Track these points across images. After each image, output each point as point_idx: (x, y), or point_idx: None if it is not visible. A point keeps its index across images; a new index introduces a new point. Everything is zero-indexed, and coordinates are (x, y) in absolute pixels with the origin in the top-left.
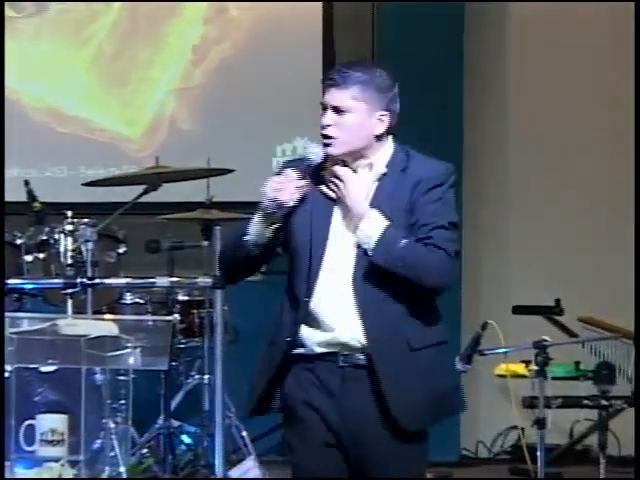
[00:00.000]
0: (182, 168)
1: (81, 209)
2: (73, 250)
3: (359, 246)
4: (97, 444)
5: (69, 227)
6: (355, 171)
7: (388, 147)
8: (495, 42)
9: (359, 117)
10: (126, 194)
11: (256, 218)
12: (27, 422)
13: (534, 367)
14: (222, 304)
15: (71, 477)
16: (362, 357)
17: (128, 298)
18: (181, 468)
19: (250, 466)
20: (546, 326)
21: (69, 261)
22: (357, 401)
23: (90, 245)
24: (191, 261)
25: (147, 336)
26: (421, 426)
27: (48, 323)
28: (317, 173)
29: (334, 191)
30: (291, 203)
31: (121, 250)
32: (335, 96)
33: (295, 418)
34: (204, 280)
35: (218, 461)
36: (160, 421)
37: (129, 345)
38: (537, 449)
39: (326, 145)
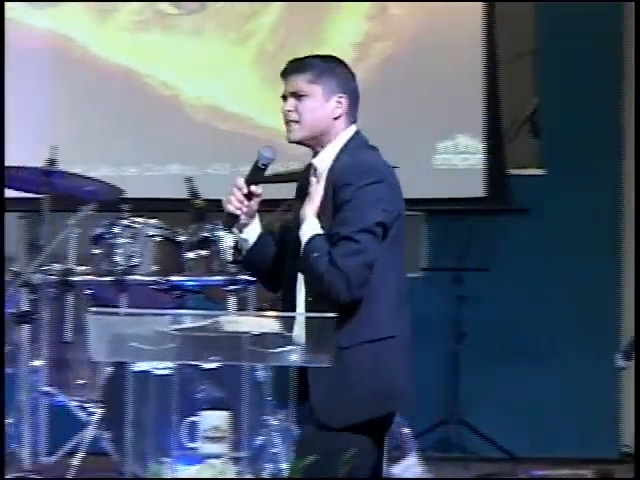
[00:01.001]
0: None
1: None
2: (235, 247)
3: None
4: (259, 441)
5: None
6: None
7: (339, 142)
8: None
9: (317, 100)
10: (286, 191)
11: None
12: (189, 419)
13: None
14: None
15: (233, 475)
16: None
17: None
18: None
19: (412, 463)
20: None
21: (231, 258)
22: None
23: None
24: None
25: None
26: (343, 424)
27: (210, 320)
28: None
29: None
30: (241, 212)
31: None
32: (292, 82)
33: None
34: None
35: None
36: None
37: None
38: None
39: (289, 131)
